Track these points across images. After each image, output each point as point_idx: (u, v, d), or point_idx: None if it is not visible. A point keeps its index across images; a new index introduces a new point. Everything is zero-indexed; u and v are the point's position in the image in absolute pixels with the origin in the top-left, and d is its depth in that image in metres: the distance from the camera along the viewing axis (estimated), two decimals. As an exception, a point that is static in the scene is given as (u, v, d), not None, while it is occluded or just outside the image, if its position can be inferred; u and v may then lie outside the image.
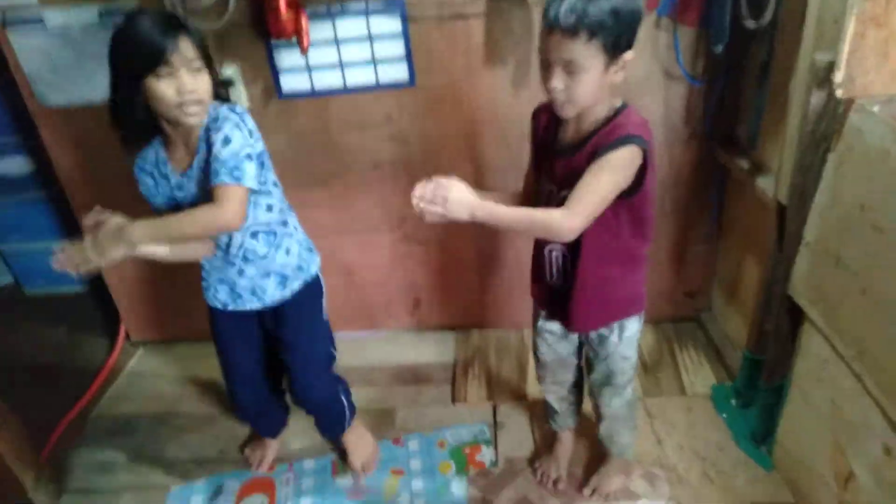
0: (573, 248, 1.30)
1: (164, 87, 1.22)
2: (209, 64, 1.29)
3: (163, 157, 1.37)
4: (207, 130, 1.31)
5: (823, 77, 1.29)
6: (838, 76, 1.26)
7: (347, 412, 1.76)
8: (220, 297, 1.52)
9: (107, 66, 1.26)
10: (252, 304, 1.51)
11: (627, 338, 1.40)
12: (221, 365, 1.65)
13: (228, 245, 1.44)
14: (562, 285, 1.37)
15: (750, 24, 1.55)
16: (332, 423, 1.78)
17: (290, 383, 1.68)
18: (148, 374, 2.32)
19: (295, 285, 1.53)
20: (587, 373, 1.55)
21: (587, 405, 1.68)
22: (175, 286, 2.29)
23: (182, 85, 1.22)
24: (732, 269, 2.07)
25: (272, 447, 1.88)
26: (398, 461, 1.84)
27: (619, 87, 1.20)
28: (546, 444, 1.80)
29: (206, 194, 1.32)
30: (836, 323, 1.36)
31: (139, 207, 2.15)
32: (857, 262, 1.26)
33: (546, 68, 1.14)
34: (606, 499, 1.66)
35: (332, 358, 1.70)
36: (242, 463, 1.89)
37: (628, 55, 1.12)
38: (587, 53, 1.08)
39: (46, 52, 1.86)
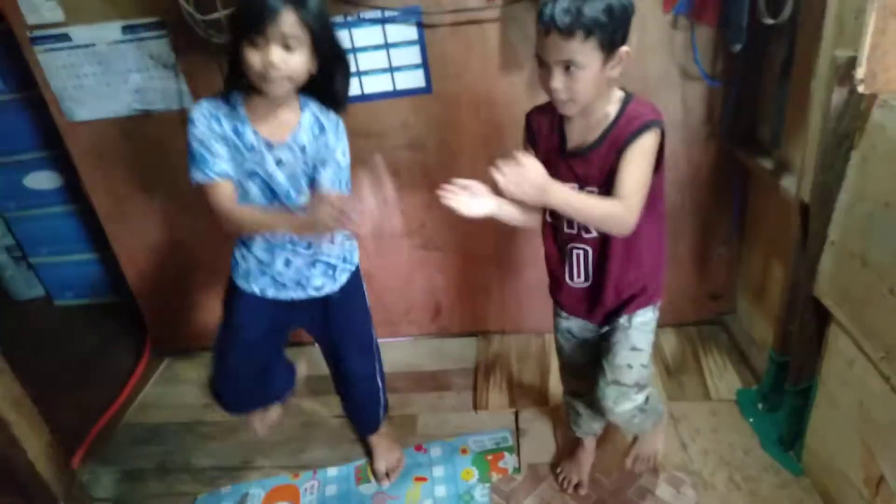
0: (597, 243, 1.31)
1: (253, 56, 1.21)
2: (321, 47, 1.27)
3: (243, 116, 1.32)
4: (318, 121, 1.36)
5: (845, 73, 1.27)
6: (860, 72, 1.24)
7: (382, 403, 1.78)
8: (258, 284, 1.49)
9: (131, 81, 1.29)
10: (297, 294, 1.50)
11: (638, 324, 1.37)
12: (227, 343, 1.58)
13: (274, 235, 1.42)
14: (588, 282, 1.37)
15: (768, 21, 1.53)
16: (367, 413, 1.78)
17: (336, 362, 1.69)
18: (174, 382, 2.35)
19: (343, 277, 1.55)
20: (599, 376, 1.49)
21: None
22: (200, 297, 2.33)
23: (267, 57, 1.20)
24: (756, 270, 2.04)
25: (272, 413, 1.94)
26: (421, 468, 1.84)
27: (634, 85, 1.22)
28: (569, 448, 1.78)
29: (286, 173, 1.36)
30: (863, 323, 1.33)
31: (166, 219, 2.21)
32: (883, 260, 1.24)
33: (545, 69, 1.16)
34: (649, 462, 1.69)
35: (377, 345, 1.73)
36: (268, 470, 1.91)
37: (624, 49, 1.14)
38: (584, 52, 1.10)
39: (73, 68, 1.91)
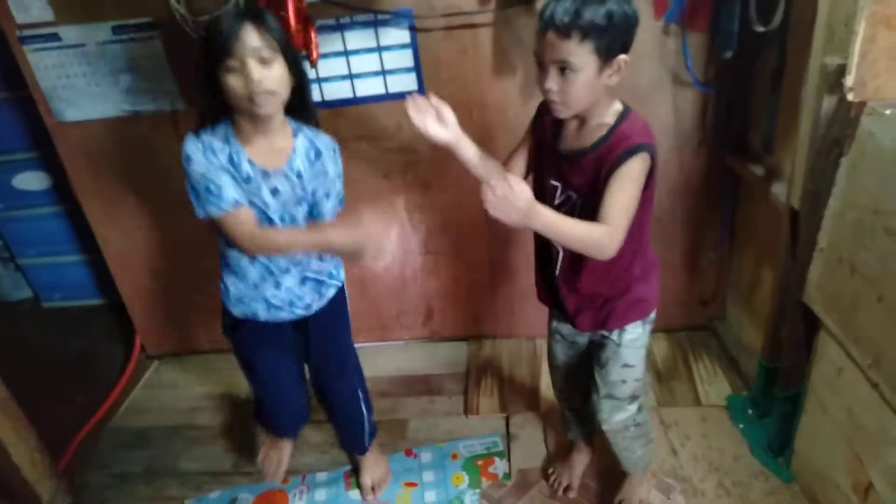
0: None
1: (233, 80, 1.20)
2: (290, 55, 1.26)
3: (237, 146, 1.30)
4: (313, 145, 1.36)
5: (834, 81, 1.28)
6: (849, 80, 1.25)
7: (367, 430, 1.75)
8: (250, 309, 1.46)
9: (121, 82, 1.28)
10: (287, 315, 1.48)
11: (628, 342, 1.37)
12: (252, 376, 1.61)
13: (271, 261, 1.40)
14: (564, 280, 1.36)
15: (759, 28, 1.53)
16: (352, 435, 1.76)
17: (317, 383, 1.67)
18: (163, 386, 2.34)
19: (330, 293, 1.53)
20: (592, 387, 1.49)
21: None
22: (190, 299, 2.32)
23: (248, 75, 1.19)
24: (746, 276, 2.04)
25: (287, 451, 1.87)
26: (411, 473, 1.83)
27: (626, 91, 1.20)
28: (561, 451, 1.78)
29: (281, 201, 1.34)
30: (852, 330, 1.33)
31: (155, 221, 2.19)
32: (872, 267, 1.24)
33: (541, 69, 1.15)
34: None
35: (357, 360, 1.72)
36: (256, 475, 1.89)
37: (623, 59, 1.12)
38: (580, 54, 1.09)
39: (62, 67, 1.90)
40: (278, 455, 1.86)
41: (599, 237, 1.13)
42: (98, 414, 2.19)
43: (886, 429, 1.25)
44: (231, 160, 1.29)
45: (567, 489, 1.69)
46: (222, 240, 1.39)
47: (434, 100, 1.24)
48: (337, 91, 1.90)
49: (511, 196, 1.04)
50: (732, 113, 1.85)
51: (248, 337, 1.53)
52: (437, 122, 1.23)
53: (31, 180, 2.63)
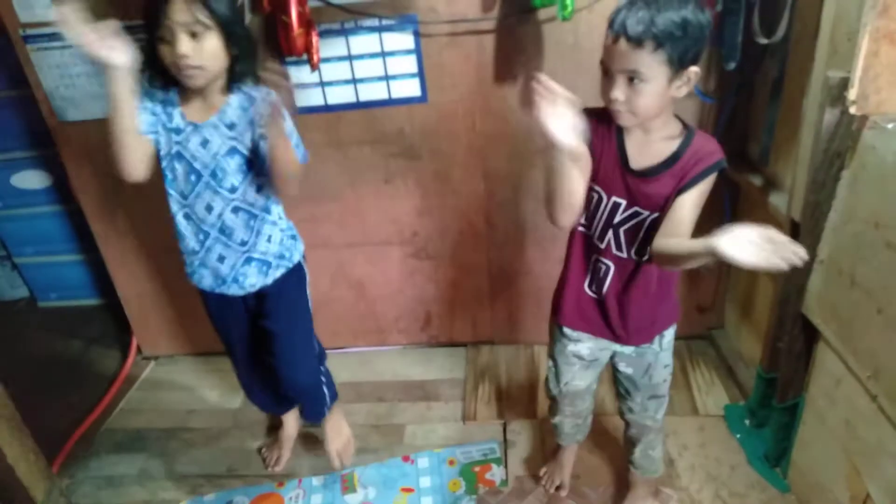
0: (624, 263, 1.29)
1: (164, 50, 1.25)
2: (234, 31, 1.29)
3: (174, 101, 1.37)
4: (249, 96, 1.36)
5: (837, 94, 1.29)
6: (852, 93, 1.26)
7: (328, 399, 1.77)
8: (205, 281, 1.52)
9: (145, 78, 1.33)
10: (234, 290, 1.52)
11: (666, 344, 1.39)
12: (223, 343, 1.69)
13: (202, 220, 1.43)
14: (607, 298, 1.33)
15: (762, 40, 1.54)
16: (312, 409, 1.78)
17: (274, 369, 1.67)
18: (159, 387, 2.33)
19: (277, 273, 1.54)
20: (624, 393, 1.49)
21: (608, 425, 1.65)
22: (187, 301, 2.31)
23: (175, 48, 1.23)
24: (744, 285, 2.05)
25: (287, 445, 1.91)
26: (408, 479, 1.82)
27: (677, 103, 1.15)
28: (553, 452, 1.79)
29: (211, 153, 1.37)
30: (851, 342, 1.34)
31: (154, 222, 2.18)
32: (872, 280, 1.25)
33: (607, 78, 1.11)
34: None
35: (314, 347, 1.71)
36: (252, 478, 1.88)
37: (694, 70, 1.08)
38: (652, 65, 1.05)
39: (65, 67, 1.89)
40: (278, 451, 1.90)
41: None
42: (93, 415, 2.18)
43: (885, 441, 1.25)
44: (165, 110, 1.37)
45: (559, 487, 1.71)
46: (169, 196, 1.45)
47: (567, 95, 1.02)
48: (340, 95, 1.90)
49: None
50: (734, 124, 1.86)
51: (208, 307, 1.61)
52: (559, 119, 1.02)
53: (30, 179, 2.62)
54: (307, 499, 1.80)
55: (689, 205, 1.15)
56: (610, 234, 1.27)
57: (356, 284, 2.26)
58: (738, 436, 1.83)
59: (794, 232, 1.49)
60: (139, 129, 1.33)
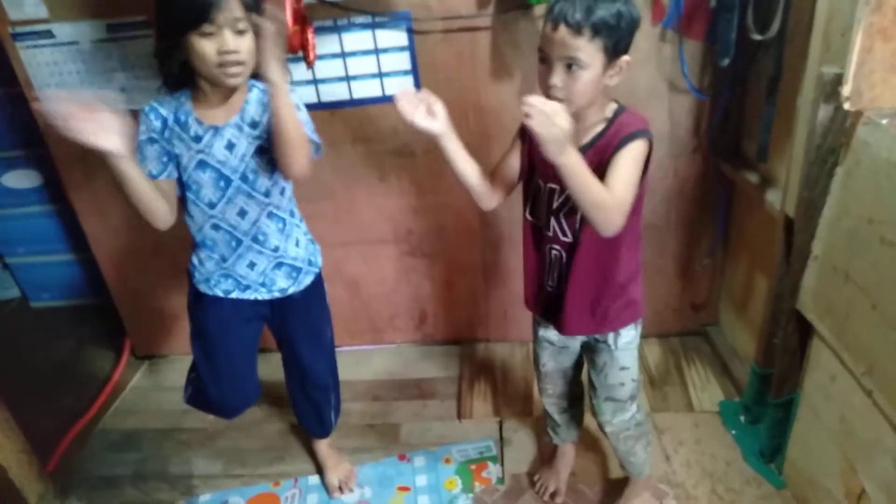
0: (570, 247, 1.30)
1: (206, 46, 1.20)
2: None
3: (187, 107, 1.32)
4: (266, 92, 1.30)
5: (831, 90, 1.29)
6: (846, 89, 1.26)
7: (334, 405, 1.76)
8: (221, 287, 1.48)
9: (115, 80, 1.28)
10: (259, 294, 1.49)
11: (623, 345, 1.38)
12: (205, 353, 1.57)
13: (234, 227, 1.40)
14: (557, 286, 1.36)
15: (756, 36, 1.54)
16: (320, 414, 1.75)
17: (294, 368, 1.66)
18: (153, 388, 2.32)
19: (307, 280, 1.53)
20: (590, 389, 1.52)
21: (591, 422, 1.65)
22: (181, 300, 2.29)
23: (224, 44, 1.20)
24: (739, 282, 2.05)
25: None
26: (404, 477, 1.82)
27: (622, 97, 1.22)
28: (547, 455, 1.78)
29: (238, 155, 1.33)
30: (846, 338, 1.34)
31: (146, 222, 2.16)
32: (866, 276, 1.25)
33: (545, 66, 1.16)
34: None
35: (335, 354, 1.71)
36: (248, 479, 1.88)
37: (626, 59, 1.15)
38: (589, 52, 1.10)
39: (56, 65, 1.88)
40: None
41: (612, 205, 1.12)
42: (87, 416, 2.17)
43: (880, 436, 1.25)
44: (177, 120, 1.32)
45: (554, 495, 1.69)
46: (188, 211, 1.42)
47: (424, 93, 1.23)
48: (333, 93, 1.90)
49: (550, 111, 1.02)
50: (728, 120, 1.86)
51: (210, 312, 1.52)
52: (426, 114, 1.22)
53: (21, 178, 2.60)
54: (303, 498, 1.80)
55: (613, 167, 1.15)
56: (553, 221, 1.30)
57: (351, 283, 2.25)
58: (734, 432, 1.84)
59: (789, 228, 1.49)
60: (153, 176, 1.32)
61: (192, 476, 1.91)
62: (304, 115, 1.37)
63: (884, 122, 1.20)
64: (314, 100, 1.90)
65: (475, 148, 1.95)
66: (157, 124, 1.32)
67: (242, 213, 1.39)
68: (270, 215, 1.42)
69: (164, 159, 1.33)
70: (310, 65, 1.76)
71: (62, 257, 2.75)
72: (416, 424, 2.02)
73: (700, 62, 1.79)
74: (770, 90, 1.64)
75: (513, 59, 1.82)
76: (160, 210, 1.31)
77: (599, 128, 1.21)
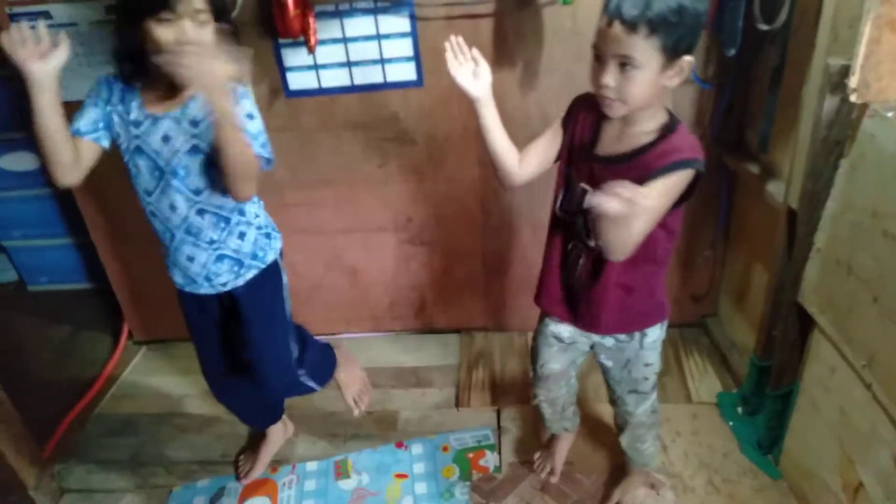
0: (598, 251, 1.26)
1: (163, 33, 1.17)
2: (224, 20, 1.25)
3: (135, 90, 1.30)
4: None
5: (837, 82, 1.28)
6: (853, 81, 1.25)
7: (316, 387, 1.70)
8: (176, 278, 1.47)
9: (112, 63, 1.27)
10: (205, 290, 1.46)
11: (649, 344, 1.36)
12: (194, 347, 1.61)
13: (167, 219, 1.38)
14: (583, 284, 1.31)
15: (763, 26, 1.53)
16: (272, 405, 1.76)
17: (251, 372, 1.61)
18: (150, 373, 2.31)
19: (249, 274, 1.47)
20: (605, 380, 1.50)
21: (603, 413, 1.66)
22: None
23: (183, 34, 1.17)
24: (740, 274, 2.05)
25: (262, 461, 1.83)
26: (402, 465, 1.82)
27: (668, 94, 1.14)
28: (545, 440, 1.79)
29: (172, 149, 1.29)
30: (847, 331, 1.34)
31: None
32: (868, 269, 1.25)
33: (600, 63, 1.08)
34: None
35: (290, 351, 1.61)
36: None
37: (688, 60, 1.05)
38: (645, 50, 1.02)
39: (53, 48, 1.85)
40: (252, 462, 1.84)
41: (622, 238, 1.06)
42: (84, 400, 2.17)
43: (878, 429, 1.26)
44: (122, 99, 1.30)
45: (551, 473, 1.71)
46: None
47: (476, 52, 1.21)
48: (334, 78, 1.88)
49: (631, 195, 0.94)
50: (731, 111, 1.85)
51: (182, 304, 1.53)
52: (472, 74, 1.21)
53: (19, 161, 2.58)
54: (301, 484, 1.80)
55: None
56: (580, 220, 1.26)
57: (350, 270, 2.25)
58: (731, 423, 1.84)
59: (792, 220, 1.49)
60: (77, 132, 1.28)
61: (190, 461, 1.91)
62: (256, 125, 1.31)
63: (890, 114, 1.19)
64: (315, 85, 1.89)
65: (476, 135, 1.95)
66: (105, 95, 1.31)
67: (172, 207, 1.35)
68: (201, 212, 1.37)
69: (100, 125, 1.31)
70: (311, 50, 1.74)
71: (60, 241, 2.74)
72: (414, 412, 2.02)
73: (705, 52, 1.77)
74: (773, 80, 1.63)
75: (515, 46, 1.81)
76: (63, 158, 1.25)
77: (644, 141, 1.13)
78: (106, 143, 1.34)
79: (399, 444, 1.89)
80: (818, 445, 1.50)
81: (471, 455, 1.83)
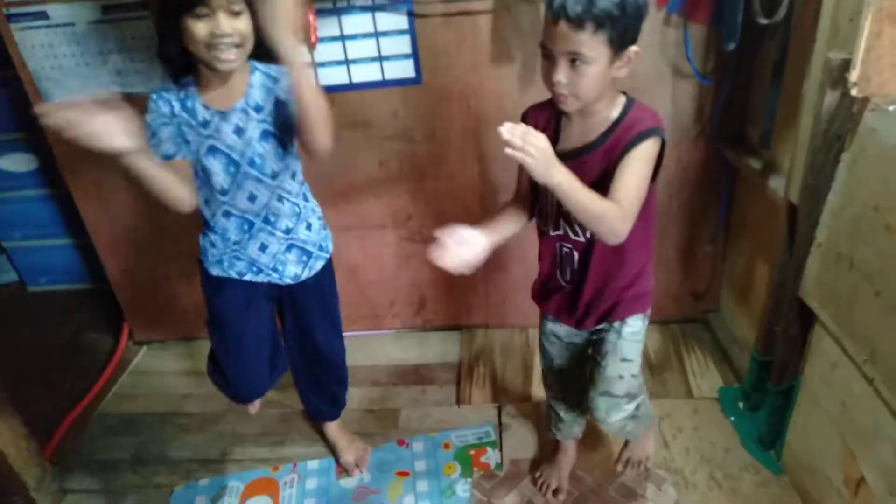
0: (584, 246, 1.28)
1: (198, 28, 1.18)
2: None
3: (193, 93, 1.31)
4: (269, 75, 1.32)
5: (838, 76, 1.27)
6: (853, 75, 1.24)
7: (346, 386, 1.79)
8: (235, 269, 1.46)
9: (111, 63, 1.26)
10: (271, 278, 1.48)
11: (628, 334, 1.35)
12: (221, 338, 1.57)
13: (245, 212, 1.39)
14: (571, 283, 1.34)
15: (762, 20, 1.52)
16: (334, 394, 1.77)
17: (308, 357, 1.66)
18: (151, 372, 2.31)
19: (317, 265, 1.53)
20: (589, 386, 1.48)
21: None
22: (180, 284, 2.29)
23: (217, 26, 1.18)
24: (741, 269, 2.05)
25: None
26: (403, 463, 1.82)
27: (623, 82, 1.17)
28: (549, 451, 1.76)
29: (246, 139, 1.31)
30: (848, 325, 1.34)
31: (145, 204, 2.16)
32: (870, 263, 1.24)
33: (549, 61, 1.11)
34: (640, 467, 1.68)
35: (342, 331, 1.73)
36: (247, 463, 1.88)
37: (634, 50, 1.10)
38: (593, 46, 1.05)
39: (51, 47, 1.85)
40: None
41: (614, 215, 1.09)
42: (85, 400, 2.17)
43: (880, 424, 1.25)
44: (184, 107, 1.30)
45: (556, 492, 1.66)
46: (200, 196, 1.38)
47: (444, 235, 1.24)
48: (332, 76, 1.87)
49: (530, 134, 0.98)
50: (731, 106, 1.84)
51: (224, 294, 1.51)
52: (461, 247, 1.25)
53: (17, 161, 2.57)
54: (302, 483, 1.80)
55: (621, 170, 1.12)
56: (562, 220, 1.28)
57: (350, 268, 2.24)
58: (732, 419, 1.84)
59: (792, 215, 1.48)
60: (170, 156, 1.29)
61: (191, 461, 1.91)
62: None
63: (891, 108, 1.19)
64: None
65: (475, 133, 1.95)
66: (166, 110, 1.30)
67: (252, 198, 1.38)
68: (280, 198, 1.41)
69: (178, 140, 1.31)
70: (311, 47, 1.74)
71: (60, 241, 2.74)
72: (415, 410, 2.02)
73: (704, 47, 1.77)
74: (774, 75, 1.62)
75: (514, 43, 1.80)
76: (182, 194, 1.28)
77: (608, 124, 1.17)
78: (191, 156, 1.34)
79: (400, 442, 1.89)
80: (820, 440, 1.50)
81: (472, 452, 1.83)
